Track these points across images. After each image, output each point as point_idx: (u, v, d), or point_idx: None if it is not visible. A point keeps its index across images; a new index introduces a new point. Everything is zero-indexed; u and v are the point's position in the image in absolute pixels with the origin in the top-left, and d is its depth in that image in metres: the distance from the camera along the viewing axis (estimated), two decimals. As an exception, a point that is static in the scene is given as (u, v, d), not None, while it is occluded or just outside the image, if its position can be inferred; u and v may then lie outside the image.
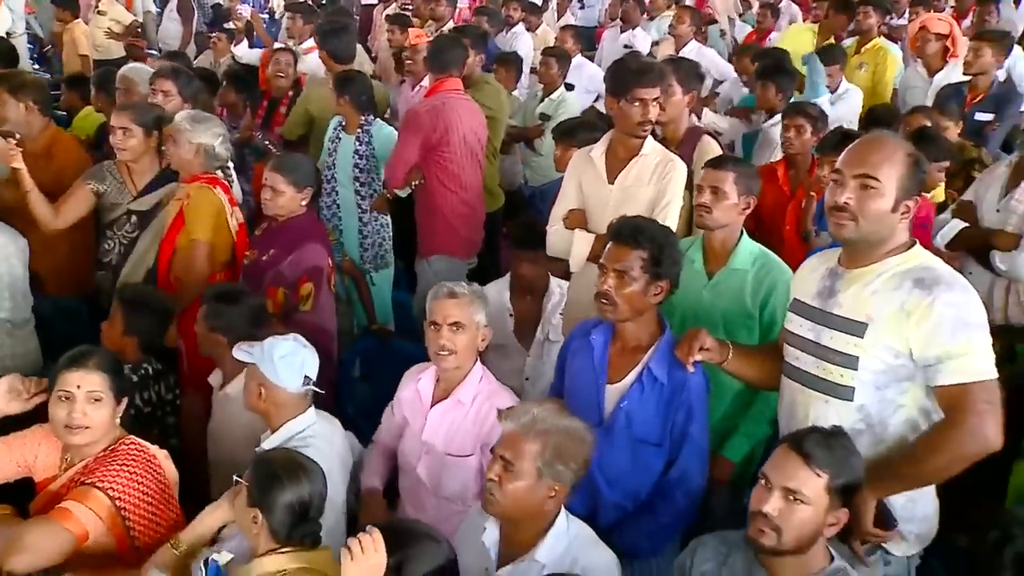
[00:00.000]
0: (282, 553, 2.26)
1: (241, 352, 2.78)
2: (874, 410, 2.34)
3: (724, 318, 2.96)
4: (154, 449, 2.68)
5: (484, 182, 4.99)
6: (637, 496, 2.66)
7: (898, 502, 2.36)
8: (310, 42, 6.55)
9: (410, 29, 6.66)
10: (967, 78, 5.63)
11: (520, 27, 7.91)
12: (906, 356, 2.28)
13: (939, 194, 4.58)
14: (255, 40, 7.45)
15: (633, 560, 2.58)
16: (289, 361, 2.72)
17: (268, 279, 3.50)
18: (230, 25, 8.26)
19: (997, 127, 5.46)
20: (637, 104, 3.27)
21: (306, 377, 2.74)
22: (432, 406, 2.92)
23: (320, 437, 2.68)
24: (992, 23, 6.87)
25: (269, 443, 2.69)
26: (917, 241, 2.46)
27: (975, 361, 2.24)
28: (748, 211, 3.03)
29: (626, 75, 3.33)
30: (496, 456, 2.33)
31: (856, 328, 2.33)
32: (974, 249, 3.78)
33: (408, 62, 5.83)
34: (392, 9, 8.38)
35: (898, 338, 2.27)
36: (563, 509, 2.38)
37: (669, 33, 6.94)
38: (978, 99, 5.55)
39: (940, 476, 2.32)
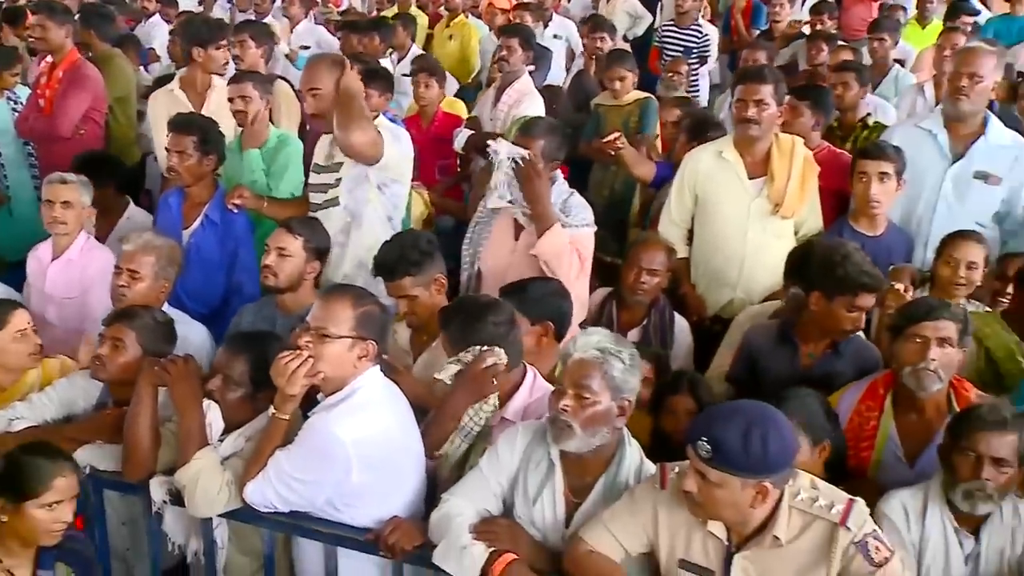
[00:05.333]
0: None
1: None
2: (352, 206, 3.90)
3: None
4: None
5: (120, 142, 6.18)
6: (210, 303, 4.09)
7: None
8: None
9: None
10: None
11: (156, 18, 9.12)
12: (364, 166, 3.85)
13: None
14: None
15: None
16: None
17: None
18: None
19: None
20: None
21: None
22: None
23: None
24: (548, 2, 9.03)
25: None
26: None
27: None
28: (269, 106, 4.52)
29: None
30: (123, 270, 3.59)
31: (331, 168, 3.93)
32: (478, 148, 5.59)
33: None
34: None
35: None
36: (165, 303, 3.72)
37: (284, 15, 8.48)
38: (532, 55, 7.60)
39: None
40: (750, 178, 4.16)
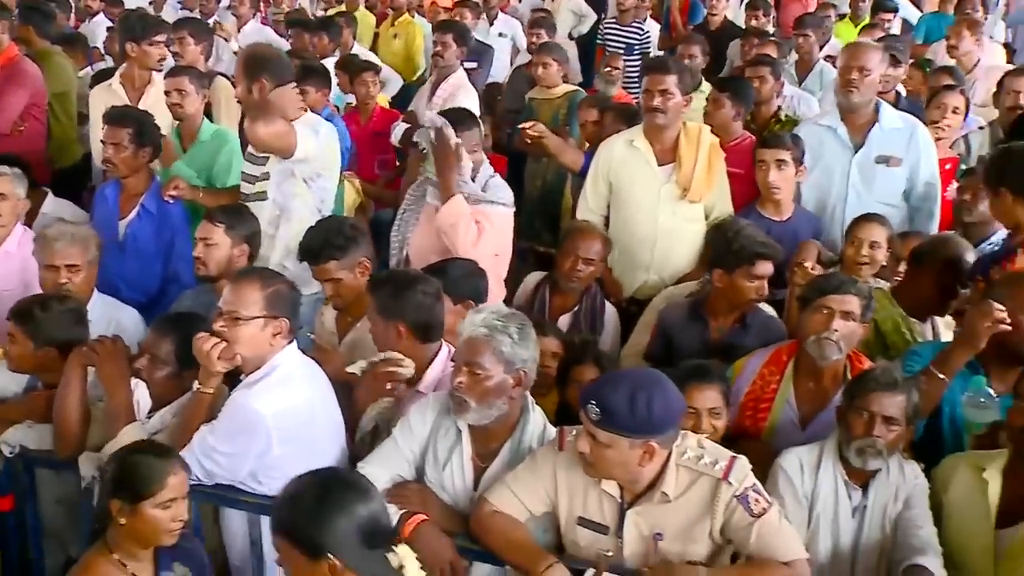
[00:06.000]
0: None
1: None
2: (280, 199, 4.01)
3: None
4: None
5: (60, 139, 6.26)
6: (148, 292, 4.22)
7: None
8: None
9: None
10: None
11: (101, 16, 9.21)
12: (287, 162, 3.94)
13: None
14: None
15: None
16: None
17: None
18: None
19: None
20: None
21: None
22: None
23: None
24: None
25: None
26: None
27: None
28: (206, 100, 4.67)
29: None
30: (60, 267, 3.67)
31: (260, 160, 4.03)
32: (414, 142, 5.75)
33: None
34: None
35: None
36: (95, 290, 3.82)
37: (233, 14, 8.65)
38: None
39: None
40: (659, 165, 4.37)
